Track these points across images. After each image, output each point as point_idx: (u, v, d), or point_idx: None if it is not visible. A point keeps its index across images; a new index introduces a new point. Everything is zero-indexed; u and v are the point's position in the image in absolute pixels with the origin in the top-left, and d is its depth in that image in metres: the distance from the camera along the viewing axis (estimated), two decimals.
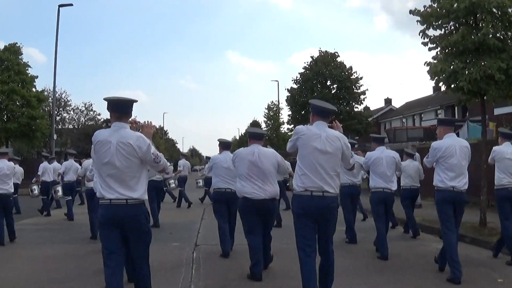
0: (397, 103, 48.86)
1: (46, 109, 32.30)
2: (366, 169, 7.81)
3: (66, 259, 6.96)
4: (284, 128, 45.55)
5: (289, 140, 4.65)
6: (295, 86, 29.20)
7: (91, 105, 47.36)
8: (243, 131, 70.78)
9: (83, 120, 48.41)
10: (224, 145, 7.60)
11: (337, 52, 29.00)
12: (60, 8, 25.19)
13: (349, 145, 4.64)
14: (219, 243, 7.15)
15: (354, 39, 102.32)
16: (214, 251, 7.26)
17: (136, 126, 4.18)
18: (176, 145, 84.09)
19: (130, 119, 4.10)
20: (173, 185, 13.65)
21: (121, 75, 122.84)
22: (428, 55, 10.92)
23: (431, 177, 6.14)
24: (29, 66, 27.08)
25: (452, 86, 8.89)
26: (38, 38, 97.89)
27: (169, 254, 7.24)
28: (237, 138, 69.58)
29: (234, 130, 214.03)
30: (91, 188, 7.64)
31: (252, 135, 6.27)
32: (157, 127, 72.56)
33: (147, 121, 4.28)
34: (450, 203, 5.66)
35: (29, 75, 26.73)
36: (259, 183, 5.81)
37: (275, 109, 43.80)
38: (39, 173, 13.13)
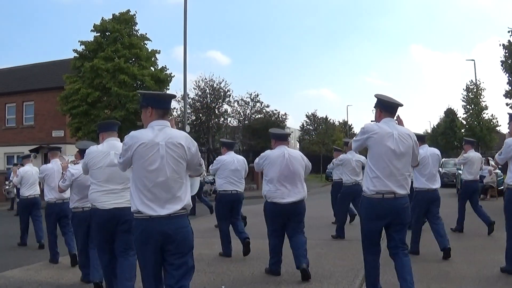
0: None
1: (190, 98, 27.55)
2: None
3: None
4: (488, 113, 34.19)
5: (355, 139, 4.41)
6: None
7: (257, 95, 42.17)
8: (435, 123, 60.03)
9: (249, 113, 43.60)
10: (228, 146, 7.43)
11: None
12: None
13: (417, 142, 4.41)
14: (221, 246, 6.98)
15: None
16: None
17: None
18: None
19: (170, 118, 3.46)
20: None
21: (304, 72, 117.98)
22: None
23: None
24: (148, 39, 21.78)
25: None
26: (220, 40, 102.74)
27: None
28: (429, 131, 58.77)
29: (425, 123, 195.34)
30: (65, 204, 6.36)
31: (277, 136, 5.91)
32: (340, 121, 65.51)
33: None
34: None
35: (145, 49, 21.27)
36: (289, 187, 5.61)
37: (475, 90, 32.76)
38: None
